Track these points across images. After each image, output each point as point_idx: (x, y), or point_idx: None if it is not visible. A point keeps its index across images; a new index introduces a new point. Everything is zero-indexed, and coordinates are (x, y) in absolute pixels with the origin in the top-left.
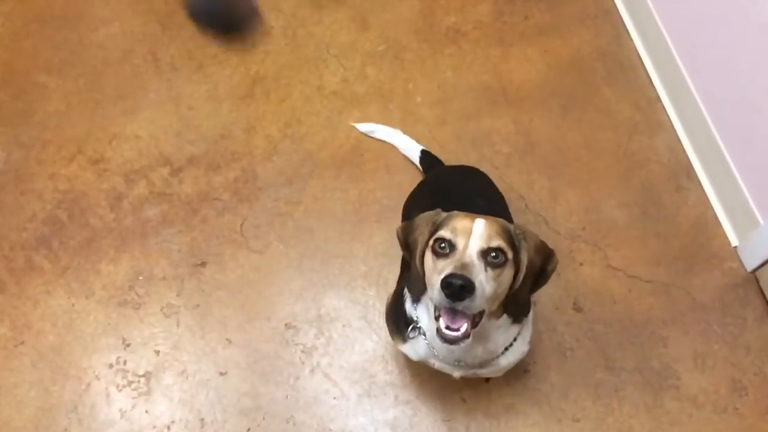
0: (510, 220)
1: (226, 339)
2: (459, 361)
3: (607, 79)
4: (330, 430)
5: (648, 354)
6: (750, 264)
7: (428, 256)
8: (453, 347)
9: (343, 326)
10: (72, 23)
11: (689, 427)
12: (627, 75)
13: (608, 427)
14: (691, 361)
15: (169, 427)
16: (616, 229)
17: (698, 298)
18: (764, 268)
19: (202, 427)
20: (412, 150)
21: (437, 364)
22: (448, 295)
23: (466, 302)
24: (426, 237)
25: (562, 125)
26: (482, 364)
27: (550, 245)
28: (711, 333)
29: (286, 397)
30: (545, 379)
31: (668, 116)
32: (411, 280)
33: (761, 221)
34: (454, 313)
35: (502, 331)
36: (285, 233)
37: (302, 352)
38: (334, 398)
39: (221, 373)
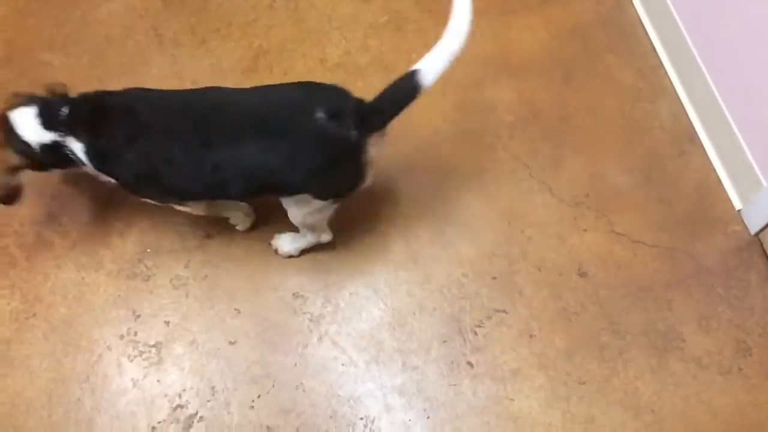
0: None
1: (235, 309)
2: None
3: (609, 46)
4: (339, 396)
5: (653, 317)
6: (754, 226)
7: None
8: None
9: (350, 294)
10: (74, 1)
11: (694, 388)
12: (629, 42)
13: (613, 388)
14: (696, 323)
15: (180, 396)
16: (619, 195)
17: (702, 261)
18: None
19: (213, 394)
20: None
21: None
22: None
23: None
24: None
25: (565, 93)
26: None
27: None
28: (715, 296)
29: (295, 364)
30: (550, 344)
31: (671, 82)
32: None
33: (764, 182)
34: None
35: None
36: None
37: (310, 320)
38: (343, 365)
39: (230, 342)
